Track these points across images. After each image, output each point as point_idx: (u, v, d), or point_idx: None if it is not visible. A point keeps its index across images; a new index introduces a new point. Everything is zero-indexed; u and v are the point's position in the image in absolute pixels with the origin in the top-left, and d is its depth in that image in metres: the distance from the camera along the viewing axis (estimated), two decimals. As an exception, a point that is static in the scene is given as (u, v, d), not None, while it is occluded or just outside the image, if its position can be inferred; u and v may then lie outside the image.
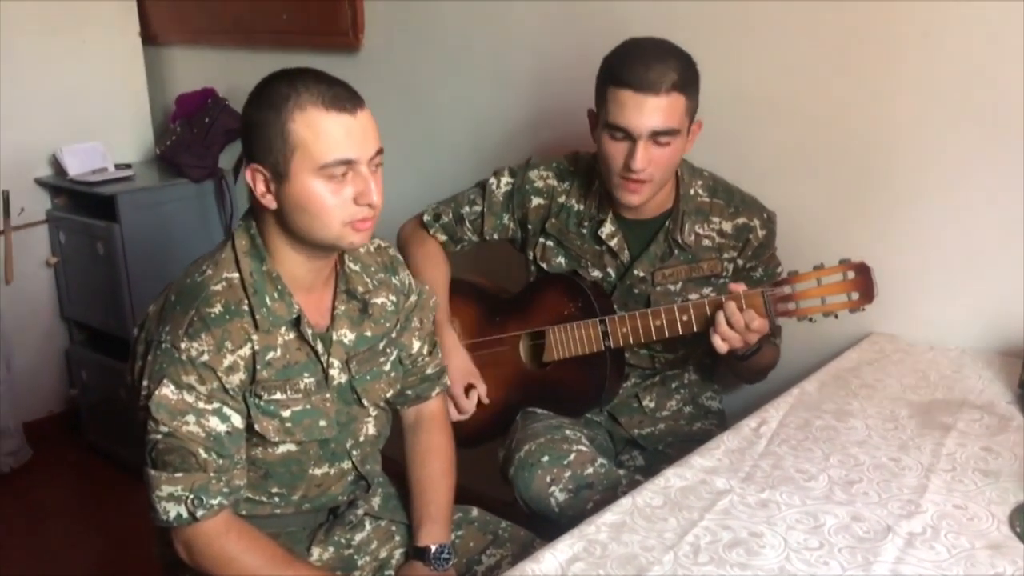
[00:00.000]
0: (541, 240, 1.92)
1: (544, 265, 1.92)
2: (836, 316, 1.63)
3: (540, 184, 1.91)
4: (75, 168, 3.07)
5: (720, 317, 1.63)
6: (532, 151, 2.00)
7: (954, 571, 1.16)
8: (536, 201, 1.91)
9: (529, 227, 1.93)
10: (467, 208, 1.97)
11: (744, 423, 1.58)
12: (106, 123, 3.30)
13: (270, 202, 1.36)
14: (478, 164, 2.39)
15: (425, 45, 2.64)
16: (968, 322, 1.88)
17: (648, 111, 1.64)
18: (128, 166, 3.21)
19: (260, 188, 1.35)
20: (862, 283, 1.59)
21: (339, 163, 1.32)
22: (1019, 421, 1.57)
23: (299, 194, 1.33)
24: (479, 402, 1.91)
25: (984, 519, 1.28)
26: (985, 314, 1.86)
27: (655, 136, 1.66)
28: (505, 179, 1.94)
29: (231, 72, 3.17)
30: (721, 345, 1.64)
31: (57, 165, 3.15)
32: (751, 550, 1.21)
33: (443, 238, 1.99)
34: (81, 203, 3.14)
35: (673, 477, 1.40)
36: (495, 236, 1.97)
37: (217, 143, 3.09)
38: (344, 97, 1.34)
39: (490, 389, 1.96)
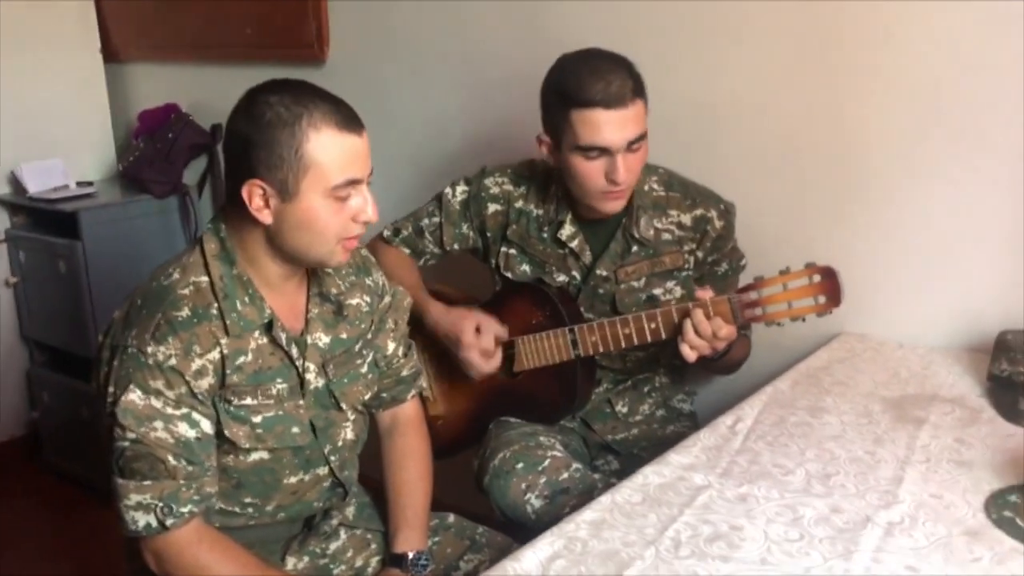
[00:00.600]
0: (503, 249, 1.91)
1: (508, 274, 1.91)
2: (803, 320, 1.64)
3: (496, 190, 1.91)
4: (34, 186, 3.02)
5: (688, 326, 1.63)
6: (498, 159, 2.00)
7: (933, 558, 1.17)
8: (493, 208, 1.91)
9: (489, 235, 1.92)
10: (426, 220, 1.96)
11: (720, 421, 1.58)
12: (67, 141, 3.25)
13: (266, 217, 1.33)
14: (445, 174, 2.38)
15: (390, 56, 2.63)
16: (936, 320, 1.90)
17: (623, 124, 1.65)
18: (90, 183, 3.17)
19: (257, 203, 1.32)
20: (828, 287, 1.60)
21: (348, 183, 1.33)
22: (990, 413, 1.59)
23: (305, 213, 1.32)
24: (452, 413, 1.90)
25: (960, 507, 1.29)
26: (953, 312, 1.88)
27: (630, 145, 1.67)
28: (460, 188, 1.94)
29: (195, 87, 3.14)
30: (690, 354, 1.64)
31: (16, 183, 3.10)
32: (732, 543, 1.21)
33: (405, 251, 1.98)
34: (41, 221, 3.09)
35: (651, 475, 1.40)
36: (456, 247, 1.96)
37: (181, 159, 3.05)
38: (352, 118, 1.34)
39: (462, 400, 1.96)
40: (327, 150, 1.30)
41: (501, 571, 1.15)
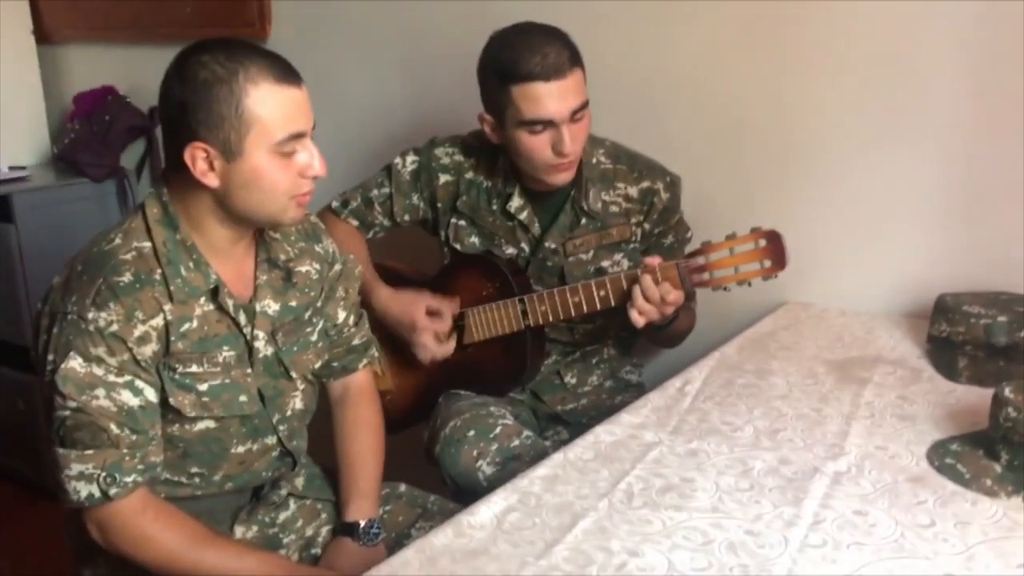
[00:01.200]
0: (453, 220, 1.90)
1: (457, 246, 1.91)
2: (750, 284, 1.65)
3: (446, 160, 1.90)
4: (-35, 168, 2.92)
5: (636, 291, 1.64)
6: (440, 129, 2.00)
7: (880, 502, 1.19)
8: (444, 178, 1.90)
9: (439, 206, 1.91)
10: (375, 191, 1.94)
11: (669, 383, 1.60)
12: (-1, 124, 3.15)
13: (212, 180, 1.29)
14: (390, 153, 2.36)
15: (334, 34, 2.61)
16: (877, 287, 1.95)
17: (564, 95, 1.65)
18: (23, 168, 3.07)
19: (201, 166, 1.29)
20: (774, 250, 1.62)
21: (292, 137, 1.29)
22: (930, 372, 1.63)
23: (252, 171, 1.29)
24: (401, 387, 1.90)
25: (904, 457, 1.32)
26: (893, 279, 1.93)
27: (573, 115, 1.67)
28: (411, 158, 1.93)
29: (132, 70, 3.07)
30: (639, 319, 1.65)
31: (-56, 168, 3.00)
32: (684, 494, 1.22)
33: (355, 223, 1.96)
34: (-29, 205, 2.98)
35: (603, 433, 1.41)
36: (406, 218, 1.95)
37: (118, 141, 2.98)
38: (290, 70, 1.31)
39: (410, 374, 1.94)
40: (267, 104, 1.27)
41: (455, 524, 1.15)
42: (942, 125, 1.82)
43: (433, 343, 1.82)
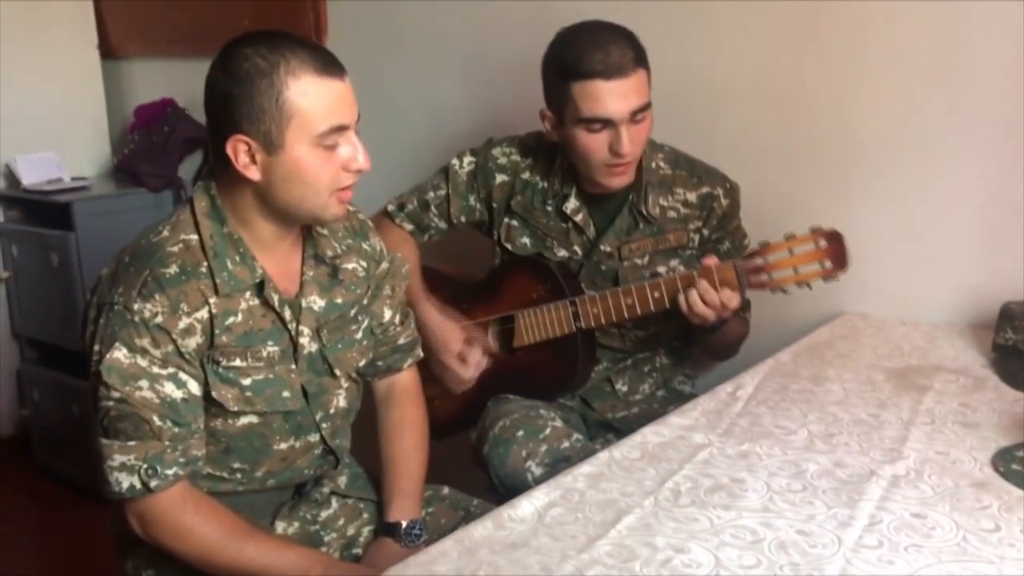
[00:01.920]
0: (506, 220, 1.89)
1: (509, 246, 1.89)
2: (810, 286, 1.61)
3: (503, 160, 1.88)
4: (29, 178, 2.99)
5: (694, 295, 1.61)
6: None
7: (940, 506, 1.14)
8: (500, 178, 1.88)
9: (494, 206, 1.90)
10: (431, 193, 1.93)
11: (720, 388, 1.56)
12: (63, 137, 3.22)
13: (254, 174, 1.29)
14: (446, 158, 2.38)
15: (389, 46, 2.63)
16: (938, 297, 1.89)
17: (624, 94, 1.63)
18: (84, 179, 3.14)
19: (243, 159, 1.29)
20: (834, 251, 1.57)
21: (334, 130, 1.28)
22: (995, 381, 1.57)
23: (295, 163, 1.28)
24: (449, 391, 1.89)
25: (967, 462, 1.26)
26: (955, 288, 1.87)
27: (633, 115, 1.65)
28: (467, 159, 1.91)
29: (191, 82, 3.07)
30: (695, 318, 1.62)
31: (10, 177, 3.08)
32: (733, 494, 1.18)
33: (409, 227, 1.95)
34: (35, 214, 3.06)
35: (650, 434, 1.37)
36: (462, 219, 1.93)
37: (176, 152, 3.03)
38: (333, 62, 1.30)
39: (459, 378, 1.93)
40: (308, 96, 1.26)
41: (495, 517, 1.12)
42: (1002, 130, 1.76)
43: (458, 365, 1.83)
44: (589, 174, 1.74)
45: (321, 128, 1.27)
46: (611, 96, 1.63)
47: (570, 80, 1.65)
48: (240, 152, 1.28)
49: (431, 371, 1.89)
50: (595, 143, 1.68)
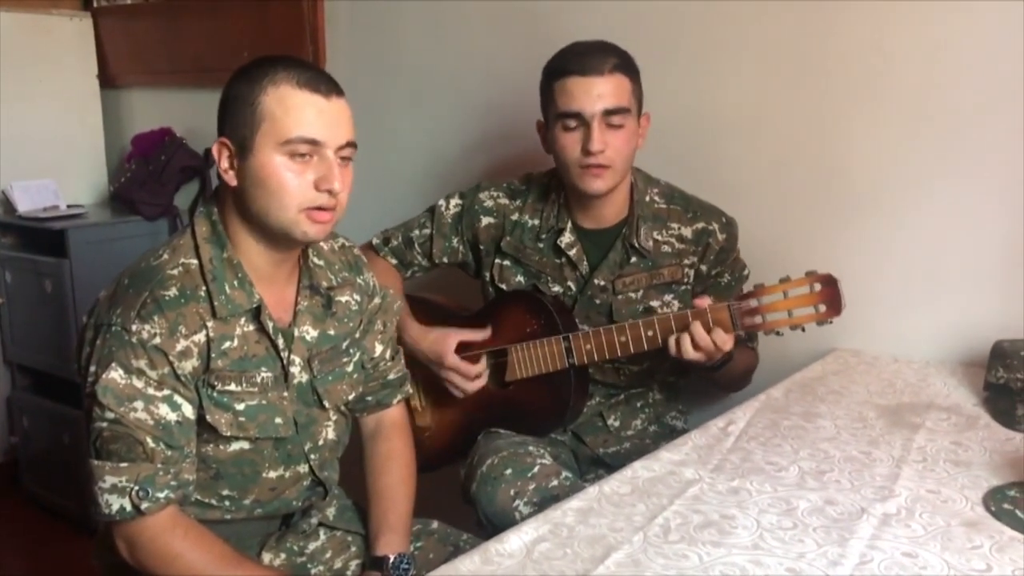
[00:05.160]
0: (497, 260, 1.89)
1: (503, 286, 1.89)
2: (803, 329, 1.61)
3: (490, 204, 1.90)
4: (25, 204, 3.00)
5: (685, 340, 1.61)
6: (489, 174, 2.01)
7: (931, 545, 1.13)
8: (486, 221, 1.90)
9: (481, 248, 1.91)
10: (417, 231, 1.95)
11: (711, 423, 1.55)
12: (60, 165, 3.25)
13: (231, 178, 1.32)
14: (437, 194, 2.39)
15: (387, 78, 2.64)
16: (931, 335, 1.88)
17: (598, 91, 1.67)
18: (80, 207, 3.15)
19: (224, 163, 1.32)
20: (829, 295, 1.57)
21: (303, 141, 1.29)
22: (986, 420, 1.56)
23: (261, 168, 1.29)
24: (440, 424, 1.88)
25: (958, 501, 1.25)
26: (947, 326, 1.86)
27: (607, 116, 1.67)
28: (455, 201, 1.93)
29: (190, 112, 3.15)
30: (690, 356, 1.62)
31: (6, 203, 3.08)
32: (723, 530, 1.17)
33: (393, 261, 1.96)
34: (29, 240, 3.06)
35: (640, 469, 1.36)
36: (445, 260, 1.95)
37: (172, 181, 3.04)
38: (321, 80, 1.32)
39: (450, 411, 1.92)
40: (283, 103, 1.28)
41: (483, 552, 1.11)
42: (997, 165, 1.77)
43: (460, 379, 1.81)
44: (568, 178, 1.76)
45: (289, 135, 1.28)
46: (583, 91, 1.67)
47: (552, 80, 1.72)
48: (222, 156, 1.33)
49: (422, 383, 1.90)
50: (569, 140, 1.70)
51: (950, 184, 1.82)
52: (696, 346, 1.60)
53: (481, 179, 2.01)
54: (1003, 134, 1.74)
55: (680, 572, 1.07)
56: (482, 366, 1.83)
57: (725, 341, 1.60)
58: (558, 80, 1.70)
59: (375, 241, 1.97)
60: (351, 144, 1.34)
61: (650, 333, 1.67)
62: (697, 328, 1.60)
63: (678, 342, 1.62)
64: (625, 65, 1.70)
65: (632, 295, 1.81)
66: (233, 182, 1.32)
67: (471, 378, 1.82)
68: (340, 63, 2.71)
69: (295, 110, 1.28)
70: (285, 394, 1.40)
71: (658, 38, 2.11)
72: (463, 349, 1.83)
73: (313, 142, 1.30)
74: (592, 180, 1.71)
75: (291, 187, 1.30)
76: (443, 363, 1.81)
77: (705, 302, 1.62)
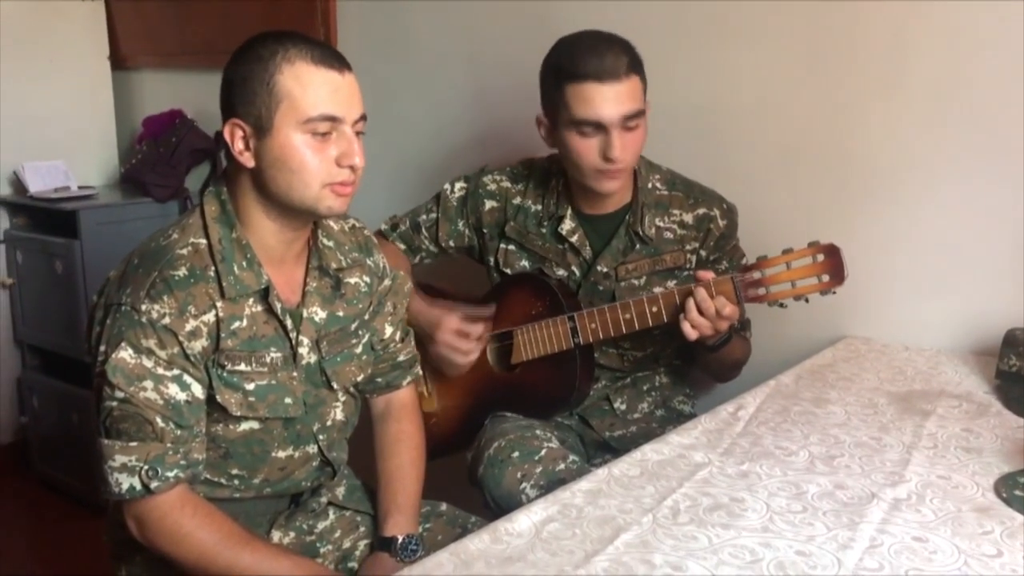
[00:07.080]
0: (502, 245, 1.89)
1: (508, 270, 1.89)
2: (807, 300, 1.60)
3: (493, 187, 1.90)
4: (36, 185, 3.01)
5: (690, 304, 1.60)
6: (502, 160, 2.00)
7: (941, 531, 1.12)
8: (489, 204, 1.89)
9: (485, 231, 1.91)
10: (423, 216, 1.95)
11: (721, 408, 1.55)
12: (71, 146, 3.25)
13: (248, 160, 1.31)
14: (450, 176, 2.38)
15: (399, 59, 2.64)
16: (942, 323, 1.87)
17: (616, 98, 1.64)
18: (91, 187, 3.15)
19: (239, 145, 1.30)
20: (832, 265, 1.56)
21: (324, 119, 1.28)
22: (998, 408, 1.56)
23: (281, 149, 1.29)
24: (447, 409, 1.88)
25: (969, 487, 1.25)
26: (959, 315, 1.86)
27: (625, 121, 1.65)
28: (459, 185, 1.93)
29: (201, 94, 3.14)
30: (691, 332, 1.60)
31: (17, 184, 3.09)
32: (733, 513, 1.17)
33: (402, 247, 1.96)
34: (40, 221, 3.07)
35: (650, 452, 1.36)
36: (451, 244, 1.94)
37: (183, 163, 3.04)
38: (333, 56, 1.32)
39: (456, 396, 1.92)
40: (300, 81, 1.27)
41: (492, 531, 1.11)
42: (1010, 152, 1.75)
43: (458, 340, 1.79)
44: (581, 179, 1.74)
45: (310, 113, 1.28)
46: (603, 99, 1.63)
47: (564, 82, 1.66)
48: (236, 137, 1.31)
49: (428, 369, 1.89)
50: (586, 147, 1.68)
51: (963, 173, 1.81)
52: (701, 313, 1.59)
53: (489, 159, 2.00)
54: (1015, 124, 1.73)
55: (689, 553, 1.07)
56: (480, 328, 1.81)
57: (725, 306, 1.58)
58: (571, 84, 1.65)
59: (383, 227, 1.97)
60: (364, 117, 1.35)
61: (655, 308, 1.67)
62: (701, 292, 1.58)
63: (683, 308, 1.60)
64: (635, 62, 1.67)
65: (635, 282, 1.81)
66: (250, 163, 1.31)
67: (470, 341, 1.79)
68: (351, 45, 2.71)
69: (313, 88, 1.28)
70: (294, 374, 1.40)
71: (668, 24, 2.10)
72: None
73: (333, 119, 1.29)
74: (608, 182, 1.71)
75: (313, 165, 1.29)
76: (435, 336, 1.79)
77: (709, 275, 1.61)
